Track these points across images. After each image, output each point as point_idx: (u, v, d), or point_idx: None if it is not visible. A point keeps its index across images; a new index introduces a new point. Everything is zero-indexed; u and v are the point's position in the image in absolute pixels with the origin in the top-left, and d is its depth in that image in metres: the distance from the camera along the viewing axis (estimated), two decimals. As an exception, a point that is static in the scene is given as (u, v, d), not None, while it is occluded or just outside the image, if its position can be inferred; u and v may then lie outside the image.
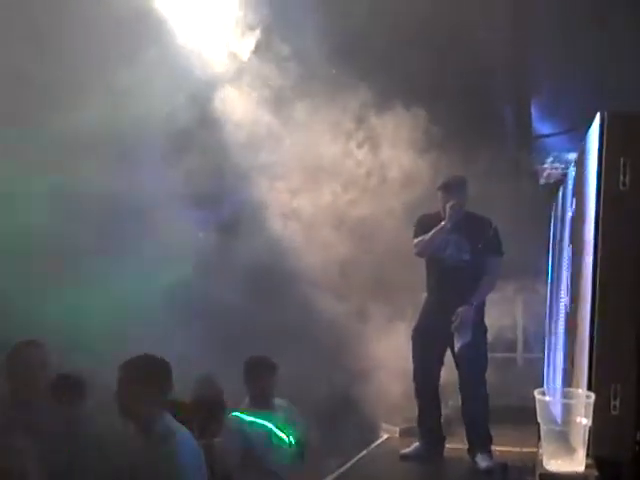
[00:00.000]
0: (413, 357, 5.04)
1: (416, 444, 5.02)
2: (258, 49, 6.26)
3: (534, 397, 2.23)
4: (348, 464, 4.94)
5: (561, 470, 2.07)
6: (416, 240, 5.15)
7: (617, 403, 2.08)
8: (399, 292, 6.17)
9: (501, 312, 6.19)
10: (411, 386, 5.16)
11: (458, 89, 7.28)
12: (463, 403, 4.93)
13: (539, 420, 2.08)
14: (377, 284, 6.41)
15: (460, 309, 4.79)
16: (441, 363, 5.01)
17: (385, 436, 5.89)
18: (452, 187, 5.07)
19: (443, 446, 5.00)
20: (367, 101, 6.55)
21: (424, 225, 5.14)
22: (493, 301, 5.71)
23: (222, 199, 6.77)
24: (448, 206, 4.98)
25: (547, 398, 2.05)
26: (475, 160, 6.44)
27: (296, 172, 6.53)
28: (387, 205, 6.40)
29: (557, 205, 4.10)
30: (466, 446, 4.84)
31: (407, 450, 5.03)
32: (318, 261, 6.29)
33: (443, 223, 4.98)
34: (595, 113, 2.39)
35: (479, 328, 4.92)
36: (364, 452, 5.23)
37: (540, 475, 2.07)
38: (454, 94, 7.25)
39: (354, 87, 6.37)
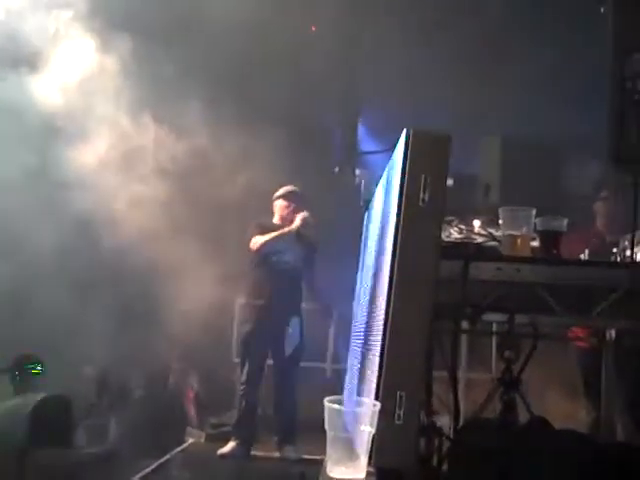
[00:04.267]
0: (245, 361, 5.35)
1: (232, 444, 5.29)
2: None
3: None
4: (151, 466, 4.91)
5: (343, 477, 2.10)
6: (261, 239, 5.33)
7: (401, 413, 2.13)
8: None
9: (316, 323, 6.34)
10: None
11: (285, 108, 7.38)
12: (277, 402, 5.43)
13: (326, 427, 2.10)
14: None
15: (294, 318, 5.32)
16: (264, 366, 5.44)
17: (190, 440, 5.89)
18: (295, 197, 5.52)
19: (252, 445, 5.38)
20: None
21: (264, 228, 5.35)
22: (310, 312, 5.88)
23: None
24: (300, 216, 5.36)
25: (333, 405, 2.06)
26: (299, 174, 6.56)
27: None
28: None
29: (366, 222, 4.24)
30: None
31: (225, 449, 5.28)
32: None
33: (291, 228, 5.11)
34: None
35: (302, 337, 5.43)
36: (167, 456, 5.20)
37: (321, 483, 2.09)
38: (281, 112, 7.34)
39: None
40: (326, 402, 2.08)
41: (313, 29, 7.81)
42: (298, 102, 7.35)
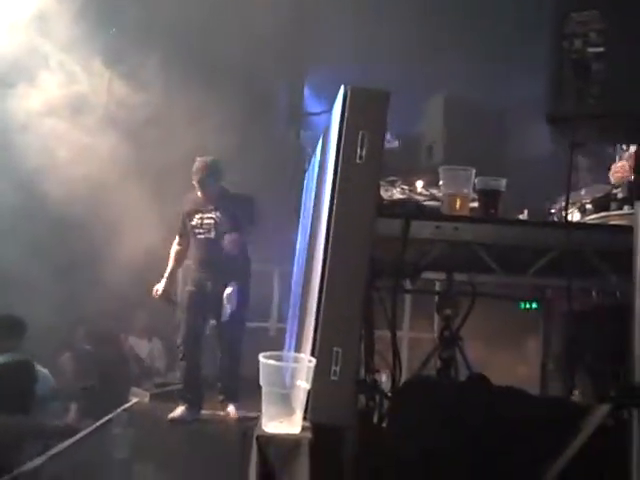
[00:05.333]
0: (185, 322, 5.43)
1: (181, 407, 5.36)
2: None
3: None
4: (94, 426, 4.92)
5: (277, 432, 2.11)
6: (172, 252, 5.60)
7: (337, 369, 2.15)
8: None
9: (260, 283, 6.36)
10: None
11: (234, 65, 7.30)
12: (220, 362, 5.57)
13: (261, 383, 2.10)
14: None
15: (233, 282, 5.34)
16: (204, 331, 5.59)
17: (134, 400, 5.92)
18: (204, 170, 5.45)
19: (201, 407, 5.46)
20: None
21: (185, 222, 5.52)
22: (255, 272, 5.90)
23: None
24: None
25: (268, 361, 2.07)
26: (244, 129, 6.52)
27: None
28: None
29: (307, 182, 4.23)
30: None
31: (175, 414, 5.35)
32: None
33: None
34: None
35: (245, 300, 5.50)
36: (111, 415, 5.20)
37: (257, 436, 2.09)
38: (230, 70, 7.27)
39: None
40: (261, 357, 2.08)
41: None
42: (246, 61, 7.29)
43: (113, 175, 6.41)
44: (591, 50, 2.47)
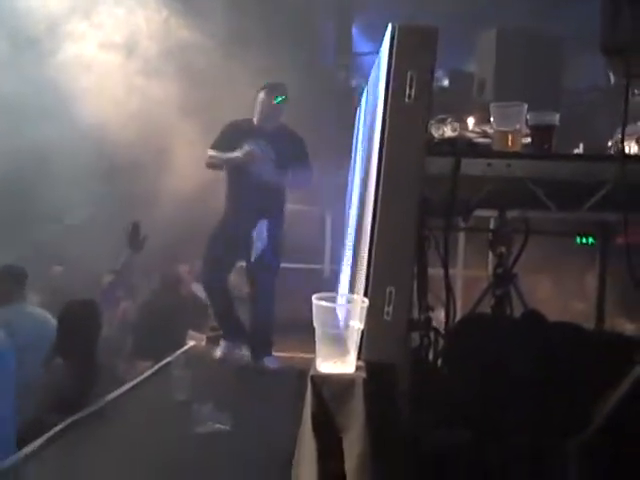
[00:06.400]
0: (205, 262, 5.18)
1: (223, 343, 5.36)
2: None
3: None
4: (153, 369, 5.03)
5: (332, 371, 2.15)
6: (212, 152, 5.16)
7: (390, 309, 2.16)
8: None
9: (311, 226, 6.38)
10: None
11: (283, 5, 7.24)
12: (253, 310, 5.28)
13: (315, 324, 2.13)
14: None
15: (261, 221, 5.04)
16: (231, 270, 5.33)
17: (191, 343, 6.03)
18: (279, 91, 5.15)
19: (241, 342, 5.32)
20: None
21: (229, 138, 5.14)
22: (304, 216, 5.89)
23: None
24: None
25: (321, 302, 2.09)
26: (294, 69, 6.48)
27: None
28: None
29: (357, 122, 4.18)
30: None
31: (217, 352, 5.38)
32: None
33: (239, 155, 4.96)
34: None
35: (276, 240, 5.15)
36: (169, 358, 5.31)
37: (311, 377, 2.13)
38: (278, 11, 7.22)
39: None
40: (314, 299, 2.10)
41: None
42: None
43: (167, 113, 6.47)
44: (648, -23, 2.39)
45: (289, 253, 5.76)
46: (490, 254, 3.75)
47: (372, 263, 2.21)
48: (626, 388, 2.52)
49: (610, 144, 3.42)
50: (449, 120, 3.35)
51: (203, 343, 5.98)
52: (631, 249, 3.22)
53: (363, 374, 2.13)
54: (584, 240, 4.70)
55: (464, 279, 6.49)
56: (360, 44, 9.24)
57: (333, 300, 2.13)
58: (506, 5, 6.53)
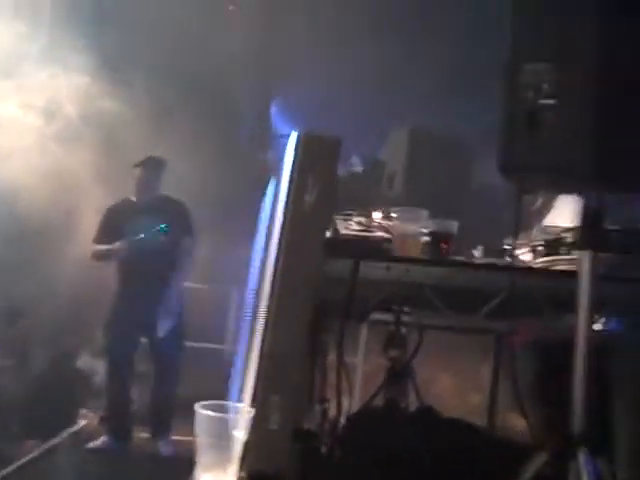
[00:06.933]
0: (106, 352, 5.01)
1: (103, 438, 4.96)
2: None
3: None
4: (41, 448, 4.81)
5: (211, 484, 2.09)
6: (96, 248, 5.11)
7: (276, 418, 2.13)
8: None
9: (214, 305, 6.29)
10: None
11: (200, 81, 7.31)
12: (154, 392, 5.07)
13: (196, 432, 2.08)
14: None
15: (164, 297, 4.81)
16: (137, 346, 5.09)
17: (83, 422, 5.79)
18: (148, 166, 5.16)
19: (130, 438, 4.98)
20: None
21: (111, 226, 5.09)
22: (208, 294, 5.80)
23: None
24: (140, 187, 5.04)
25: (203, 411, 2.04)
26: (209, 151, 6.49)
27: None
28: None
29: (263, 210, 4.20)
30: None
31: (94, 444, 5.01)
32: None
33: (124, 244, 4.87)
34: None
35: (180, 317, 5.00)
36: (57, 439, 5.09)
37: (190, 489, 2.06)
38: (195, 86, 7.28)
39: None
40: (197, 407, 2.05)
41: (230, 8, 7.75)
42: (215, 78, 7.29)
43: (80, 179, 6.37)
44: (543, 102, 2.50)
45: (191, 332, 5.63)
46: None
47: (261, 370, 2.18)
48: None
49: (507, 247, 3.53)
50: (355, 214, 3.41)
51: (96, 422, 5.76)
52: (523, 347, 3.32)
53: (243, 487, 2.08)
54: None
55: (365, 368, 6.48)
56: (279, 126, 9.35)
57: (218, 409, 2.08)
58: (419, 103, 6.74)
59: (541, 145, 2.45)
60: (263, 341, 2.21)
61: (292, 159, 2.33)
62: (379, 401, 3.61)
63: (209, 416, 2.04)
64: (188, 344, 5.53)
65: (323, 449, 2.99)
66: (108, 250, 5.04)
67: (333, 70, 7.47)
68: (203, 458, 2.08)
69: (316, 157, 2.28)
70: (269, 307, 2.25)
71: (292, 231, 2.27)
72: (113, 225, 5.13)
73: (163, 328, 4.97)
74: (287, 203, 2.30)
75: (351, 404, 3.25)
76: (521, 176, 2.66)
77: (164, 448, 4.98)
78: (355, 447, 3.17)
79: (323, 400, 3.06)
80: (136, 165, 5.24)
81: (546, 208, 4.65)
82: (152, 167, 5.23)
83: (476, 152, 6.04)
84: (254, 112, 9.02)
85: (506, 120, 2.55)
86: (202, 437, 2.06)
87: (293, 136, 2.38)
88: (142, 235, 5.00)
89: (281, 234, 2.29)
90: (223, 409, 2.11)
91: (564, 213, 4.50)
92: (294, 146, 2.34)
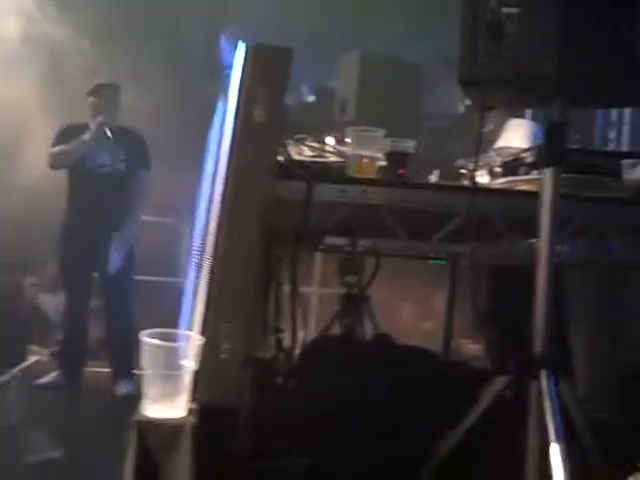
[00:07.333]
0: (62, 284, 4.83)
1: (55, 373, 4.80)
2: None
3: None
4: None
5: (159, 416, 1.97)
6: (53, 149, 4.84)
7: (228, 346, 2.02)
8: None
9: (166, 237, 6.15)
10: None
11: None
12: (109, 329, 4.87)
13: (142, 363, 1.95)
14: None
15: (116, 232, 4.65)
16: (90, 288, 4.83)
17: (33, 358, 5.64)
18: (103, 94, 4.86)
19: (82, 374, 4.84)
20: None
21: (69, 133, 4.85)
22: (159, 225, 5.63)
23: None
24: (97, 120, 4.75)
25: (151, 340, 1.91)
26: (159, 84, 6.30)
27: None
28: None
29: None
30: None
31: (44, 379, 4.80)
32: None
33: (87, 136, 4.71)
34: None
35: (130, 251, 4.79)
36: (6, 376, 4.93)
37: (135, 422, 1.94)
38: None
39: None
40: (143, 336, 1.92)
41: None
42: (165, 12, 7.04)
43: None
44: (505, 10, 2.37)
45: (142, 266, 5.47)
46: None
47: (210, 297, 2.06)
48: (471, 421, 2.49)
49: (464, 171, 3.43)
50: (308, 140, 3.27)
51: (45, 359, 5.61)
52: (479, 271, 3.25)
53: (192, 419, 1.97)
54: (438, 261, 4.74)
55: (321, 297, 6.42)
56: (228, 55, 9.06)
57: (165, 337, 1.95)
58: (371, 27, 6.56)
59: (503, 57, 2.33)
60: (212, 268, 2.08)
61: (240, 72, 2.16)
62: (336, 330, 3.57)
63: (155, 345, 1.91)
64: (140, 278, 5.38)
65: (279, 380, 2.95)
66: (63, 151, 4.76)
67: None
68: (150, 390, 1.96)
69: (266, 69, 2.11)
70: (217, 231, 2.10)
71: (241, 149, 2.12)
72: (71, 134, 4.85)
73: (114, 264, 4.75)
74: (235, 119, 2.14)
75: (307, 334, 3.18)
76: (482, 90, 2.53)
77: (124, 387, 4.75)
78: (310, 376, 3.14)
79: (278, 330, 2.98)
80: (90, 93, 4.96)
81: (497, 133, 4.60)
82: (108, 94, 4.95)
83: (429, 78, 5.94)
84: (204, 37, 8.74)
85: (467, 31, 2.41)
86: (148, 367, 1.94)
87: (241, 48, 2.20)
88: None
89: (230, 153, 2.13)
90: (171, 337, 1.98)
91: (515, 137, 4.47)
92: (242, 58, 2.17)
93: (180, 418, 1.96)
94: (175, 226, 6.74)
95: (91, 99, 4.92)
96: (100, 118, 4.77)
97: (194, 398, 2.01)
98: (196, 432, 1.90)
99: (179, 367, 1.94)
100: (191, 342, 1.98)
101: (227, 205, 2.10)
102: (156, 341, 1.91)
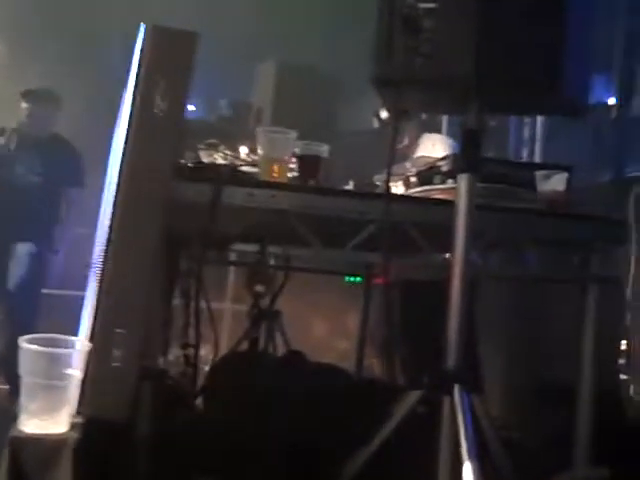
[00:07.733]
0: None
1: None
2: None
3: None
4: None
5: (37, 431, 1.76)
6: None
7: (119, 354, 1.84)
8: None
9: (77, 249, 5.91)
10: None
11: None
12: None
13: (20, 372, 1.75)
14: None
15: (24, 244, 4.58)
16: None
17: None
18: (35, 100, 4.68)
19: None
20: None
21: None
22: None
23: None
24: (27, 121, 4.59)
25: (30, 346, 1.71)
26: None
27: None
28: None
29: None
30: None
31: None
32: None
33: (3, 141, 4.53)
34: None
35: (41, 265, 4.69)
36: None
37: (10, 439, 1.73)
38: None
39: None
40: (22, 342, 1.72)
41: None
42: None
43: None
44: (422, 5, 2.28)
45: (66, 279, 5.21)
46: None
47: (101, 300, 1.87)
48: (384, 436, 2.39)
49: (379, 183, 3.34)
50: (221, 147, 3.14)
51: None
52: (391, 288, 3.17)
53: (76, 434, 1.77)
54: (352, 279, 4.67)
55: (234, 314, 6.23)
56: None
57: (47, 343, 1.75)
58: (287, 37, 6.51)
59: (419, 53, 2.24)
60: (103, 271, 1.89)
61: (139, 57, 1.99)
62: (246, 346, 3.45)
63: (35, 351, 1.71)
64: (48, 292, 5.12)
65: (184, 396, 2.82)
66: None
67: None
68: (29, 402, 1.75)
69: (168, 53, 1.94)
70: (110, 231, 1.92)
71: (140, 140, 1.95)
72: None
73: (16, 280, 4.62)
74: (133, 109, 1.96)
75: (218, 351, 3.04)
76: (397, 92, 2.44)
77: None
78: (218, 393, 3.03)
79: (186, 345, 2.83)
80: (24, 95, 4.72)
81: (411, 148, 4.57)
82: (40, 101, 4.76)
83: (346, 91, 5.90)
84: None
85: (383, 26, 2.32)
86: (26, 377, 1.73)
87: (140, 31, 2.04)
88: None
89: (124, 147, 1.96)
90: (54, 343, 1.78)
91: (430, 150, 4.44)
92: (141, 42, 2.00)
93: (61, 434, 1.76)
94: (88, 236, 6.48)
95: (22, 103, 4.70)
96: (15, 125, 4.59)
97: (79, 411, 1.82)
98: (79, 449, 1.71)
99: (62, 376, 1.74)
100: (77, 348, 1.78)
101: (121, 203, 1.92)
102: (35, 346, 1.71)
